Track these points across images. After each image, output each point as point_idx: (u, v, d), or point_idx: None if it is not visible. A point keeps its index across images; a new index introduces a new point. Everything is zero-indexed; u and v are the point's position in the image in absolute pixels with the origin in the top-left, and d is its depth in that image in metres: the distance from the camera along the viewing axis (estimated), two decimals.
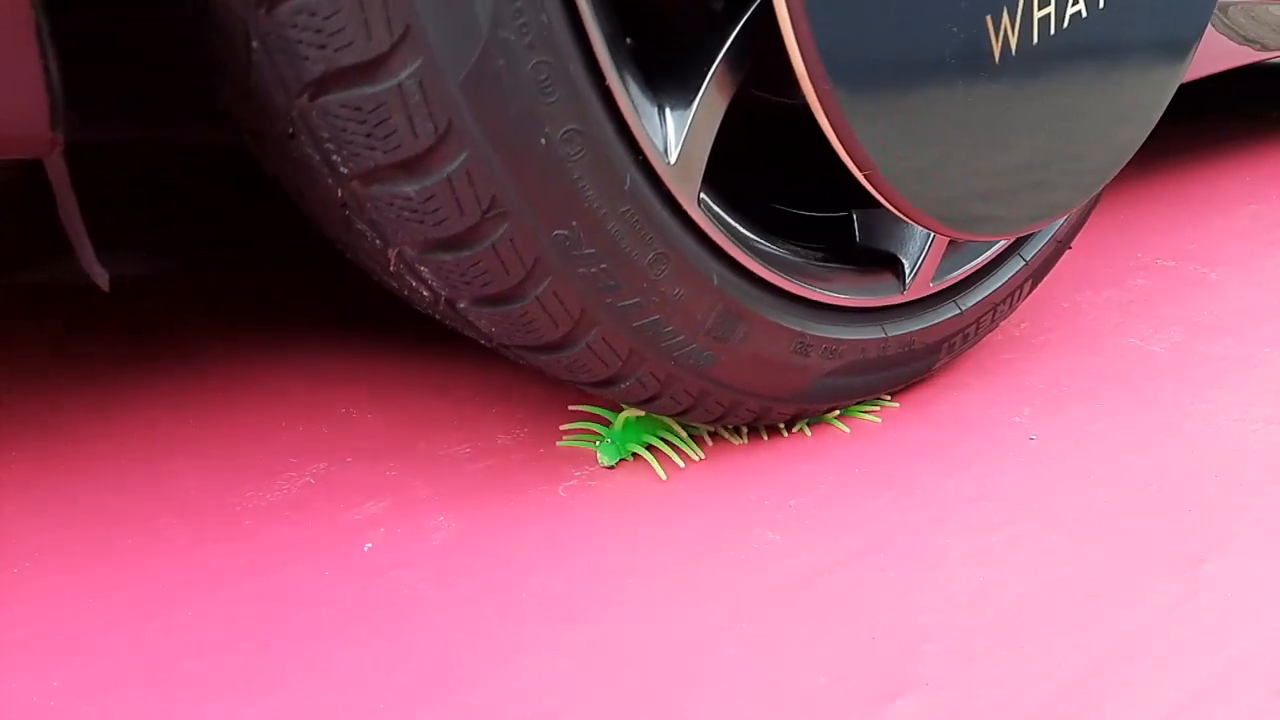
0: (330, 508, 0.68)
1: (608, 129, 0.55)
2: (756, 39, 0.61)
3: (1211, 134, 1.82)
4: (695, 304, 0.63)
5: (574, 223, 0.56)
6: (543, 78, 0.51)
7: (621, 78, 0.55)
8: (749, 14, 0.60)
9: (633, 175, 0.57)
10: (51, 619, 0.57)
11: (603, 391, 0.67)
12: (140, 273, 1.17)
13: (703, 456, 0.72)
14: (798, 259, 0.72)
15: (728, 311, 0.65)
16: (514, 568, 0.61)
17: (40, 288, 1.13)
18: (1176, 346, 0.92)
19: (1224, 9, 1.18)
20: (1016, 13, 0.64)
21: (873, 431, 0.77)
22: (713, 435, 0.75)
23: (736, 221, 0.67)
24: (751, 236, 0.68)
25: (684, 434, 0.74)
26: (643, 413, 0.73)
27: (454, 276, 0.56)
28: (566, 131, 0.53)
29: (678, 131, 0.59)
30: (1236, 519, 0.65)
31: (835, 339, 0.72)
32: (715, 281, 0.63)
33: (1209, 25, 1.11)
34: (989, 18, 0.62)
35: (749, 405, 0.71)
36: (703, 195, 0.62)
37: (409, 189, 0.51)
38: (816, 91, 0.57)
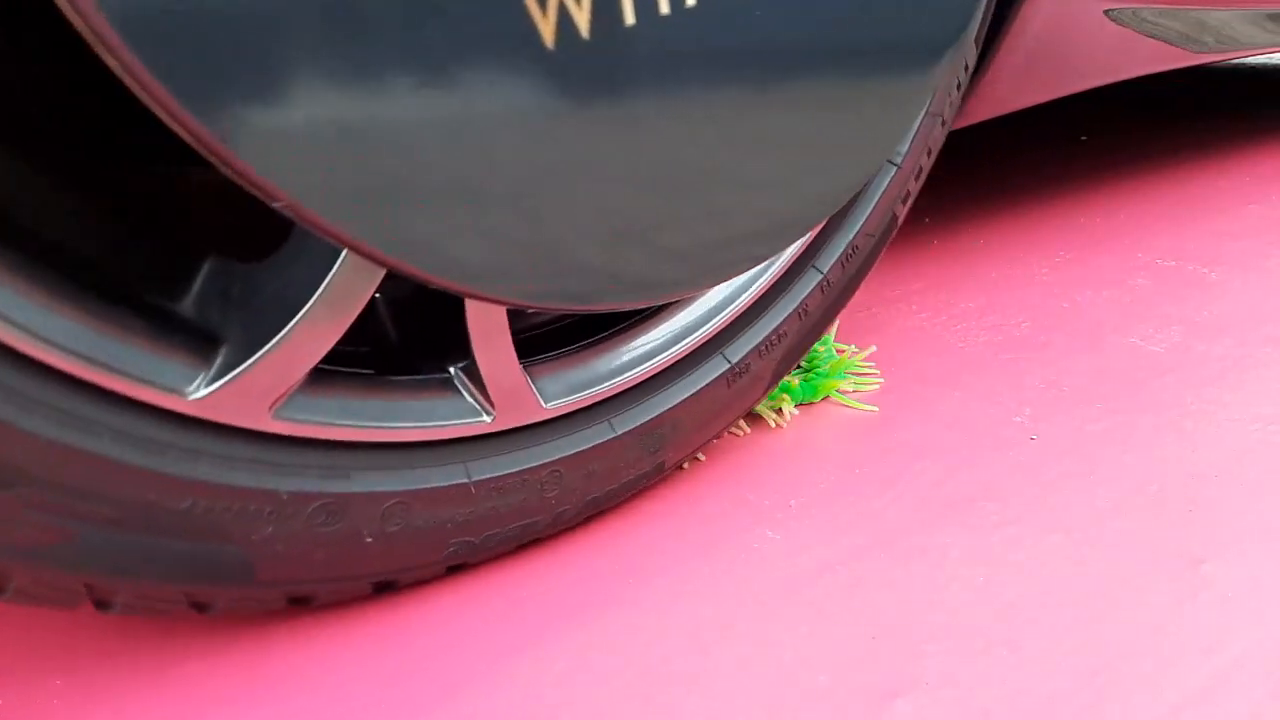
0: None
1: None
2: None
3: (1211, 134, 1.82)
4: (618, 461, 0.62)
5: (403, 565, 0.56)
6: (319, 519, 0.51)
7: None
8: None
9: (470, 465, 0.56)
10: (52, 619, 0.57)
11: None
12: None
13: (703, 458, 0.72)
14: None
15: (651, 431, 0.63)
16: (513, 567, 0.61)
17: None
18: (1176, 346, 0.92)
19: (1135, 13, 1.12)
20: None
21: (873, 431, 0.77)
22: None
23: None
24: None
25: None
26: None
27: None
28: (314, 509, 0.51)
29: (487, 389, 0.55)
30: (1236, 519, 0.65)
31: (768, 336, 0.68)
32: (613, 432, 0.61)
33: (1128, 28, 1.08)
34: None
35: (717, 436, 0.71)
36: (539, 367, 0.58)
37: None
38: (122, 66, 0.33)
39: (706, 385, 0.66)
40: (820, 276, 0.69)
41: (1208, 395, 0.82)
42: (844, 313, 0.99)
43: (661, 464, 0.66)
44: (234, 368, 0.45)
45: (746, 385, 0.69)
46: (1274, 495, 0.68)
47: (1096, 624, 0.55)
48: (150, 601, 0.49)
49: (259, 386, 0.46)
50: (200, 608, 0.51)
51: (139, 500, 0.45)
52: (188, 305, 0.48)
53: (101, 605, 0.47)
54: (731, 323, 0.66)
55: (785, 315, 0.69)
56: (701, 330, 0.65)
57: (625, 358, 0.62)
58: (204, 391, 0.45)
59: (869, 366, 0.86)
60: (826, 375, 0.81)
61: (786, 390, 0.78)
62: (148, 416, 0.44)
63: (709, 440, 0.70)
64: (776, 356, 0.70)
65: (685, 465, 0.72)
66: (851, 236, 0.71)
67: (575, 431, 0.60)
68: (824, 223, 0.67)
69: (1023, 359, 0.90)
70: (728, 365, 0.66)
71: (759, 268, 0.66)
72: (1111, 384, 0.84)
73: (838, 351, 0.86)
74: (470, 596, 0.58)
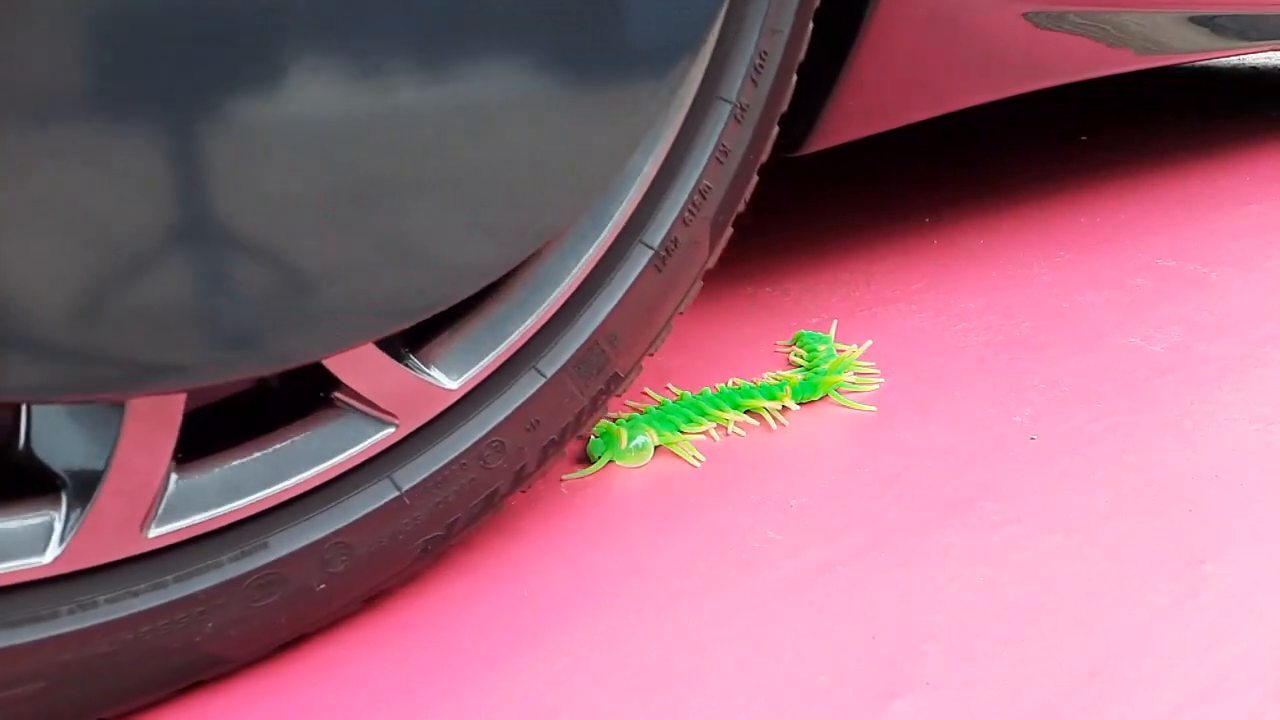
0: None
1: None
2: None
3: (1211, 134, 1.82)
4: (561, 401, 0.58)
5: (375, 584, 0.55)
6: None
7: None
8: None
9: (395, 477, 0.53)
10: None
11: None
12: None
13: (704, 460, 0.72)
14: None
15: (587, 356, 0.58)
16: (515, 565, 0.61)
17: None
18: (1176, 346, 0.92)
19: (1060, 16, 1.02)
20: None
21: (873, 431, 0.77)
22: (716, 431, 0.75)
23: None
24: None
25: (685, 438, 0.74)
26: (645, 413, 0.74)
27: None
28: (246, 590, 0.49)
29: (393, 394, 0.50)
30: (1236, 519, 0.65)
31: (689, 200, 0.61)
32: (544, 377, 0.57)
33: (1049, 30, 0.96)
34: None
35: (674, 315, 0.65)
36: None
37: None
38: None
39: (634, 283, 0.58)
40: (730, 105, 0.59)
41: (1208, 395, 0.82)
42: (844, 312, 0.99)
43: (615, 375, 0.60)
44: (81, 510, 0.42)
45: (683, 258, 0.61)
46: (1274, 495, 0.68)
47: (1096, 624, 0.55)
48: (139, 709, 0.48)
49: (113, 519, 0.42)
50: (195, 685, 0.50)
51: (56, 666, 0.43)
52: (20, 452, 0.43)
53: None
54: (640, 203, 0.57)
55: (701, 168, 0.59)
56: (605, 226, 0.56)
57: (524, 298, 0.55)
58: (59, 549, 0.41)
59: (869, 366, 0.86)
60: (826, 374, 0.81)
61: (787, 388, 0.78)
62: (18, 594, 0.41)
63: (662, 331, 0.64)
64: (708, 215, 0.61)
65: (714, 435, 0.72)
66: (754, 45, 0.59)
67: (499, 396, 0.55)
68: (712, 47, 0.57)
69: (1023, 359, 0.90)
70: (651, 251, 0.59)
71: (649, 133, 0.55)
72: (1111, 384, 0.84)
73: (838, 351, 0.86)
74: (468, 595, 0.58)
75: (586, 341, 0.58)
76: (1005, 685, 0.51)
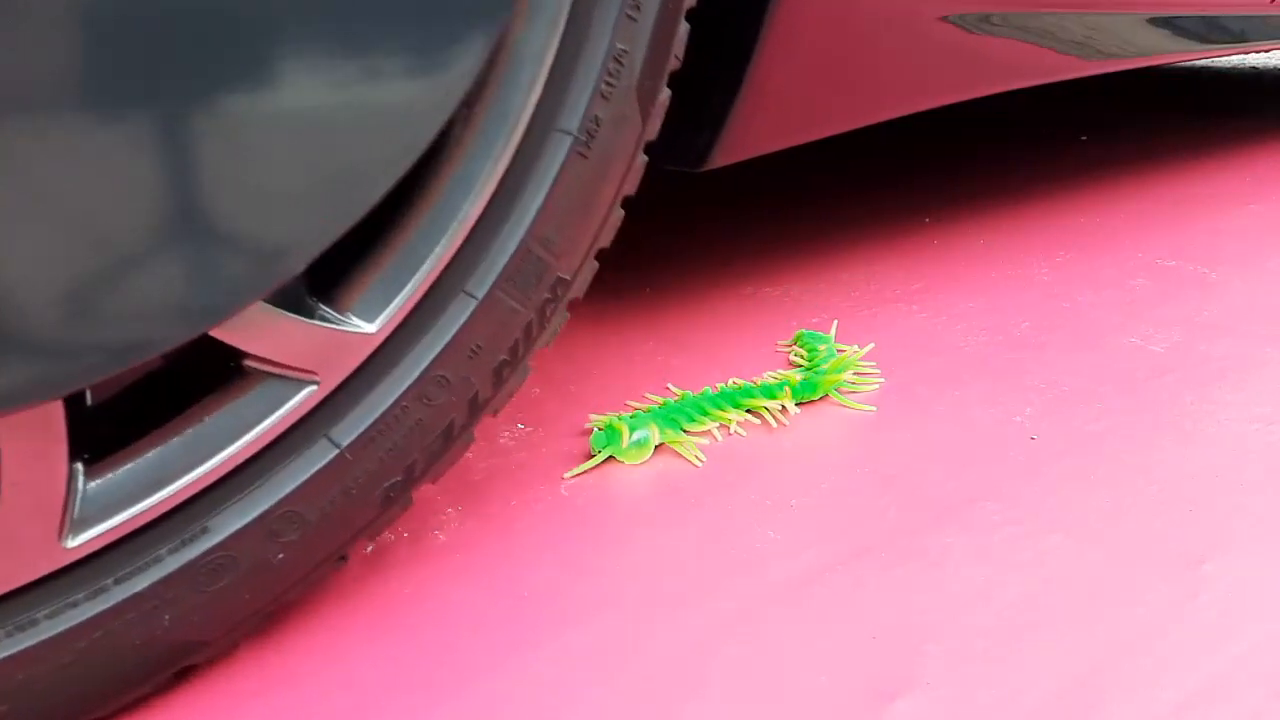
0: None
1: None
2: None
3: (1211, 134, 1.82)
4: (503, 319, 0.54)
5: (342, 541, 0.53)
6: None
7: None
8: None
9: (331, 434, 0.51)
10: None
11: None
12: None
13: (704, 460, 0.72)
14: None
15: (521, 267, 0.53)
16: (515, 566, 0.61)
17: None
18: (1176, 346, 0.92)
19: (990, 18, 0.96)
20: None
21: (873, 431, 0.77)
22: (718, 431, 0.75)
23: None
24: None
25: (688, 437, 0.74)
26: (647, 410, 0.74)
27: None
28: (197, 577, 0.48)
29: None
30: (1236, 519, 0.65)
31: (602, 71, 0.54)
32: (476, 298, 0.53)
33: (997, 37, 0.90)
34: None
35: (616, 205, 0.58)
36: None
37: None
38: None
39: (558, 176, 0.53)
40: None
41: (1208, 395, 0.82)
42: (844, 312, 0.99)
43: (560, 279, 0.55)
44: None
45: (611, 137, 0.55)
46: (1274, 495, 0.68)
47: (1097, 624, 0.55)
48: (130, 704, 0.47)
49: (22, 538, 0.40)
50: (193, 681, 0.49)
51: (12, 686, 0.42)
52: None
53: None
54: (545, 85, 0.51)
55: (609, 30, 0.53)
56: (509, 120, 0.50)
57: (433, 218, 0.50)
58: None
59: (869, 366, 0.86)
60: (826, 374, 0.81)
61: (787, 388, 0.78)
62: None
63: (608, 220, 0.57)
64: (630, 83, 0.55)
65: (716, 435, 0.72)
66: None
67: (428, 329, 0.51)
68: None
69: (1023, 359, 0.90)
70: (571, 137, 0.53)
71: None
72: (1111, 384, 0.84)
73: (838, 351, 0.86)
74: (468, 595, 0.58)
75: (517, 251, 0.52)
76: (1005, 685, 0.51)
